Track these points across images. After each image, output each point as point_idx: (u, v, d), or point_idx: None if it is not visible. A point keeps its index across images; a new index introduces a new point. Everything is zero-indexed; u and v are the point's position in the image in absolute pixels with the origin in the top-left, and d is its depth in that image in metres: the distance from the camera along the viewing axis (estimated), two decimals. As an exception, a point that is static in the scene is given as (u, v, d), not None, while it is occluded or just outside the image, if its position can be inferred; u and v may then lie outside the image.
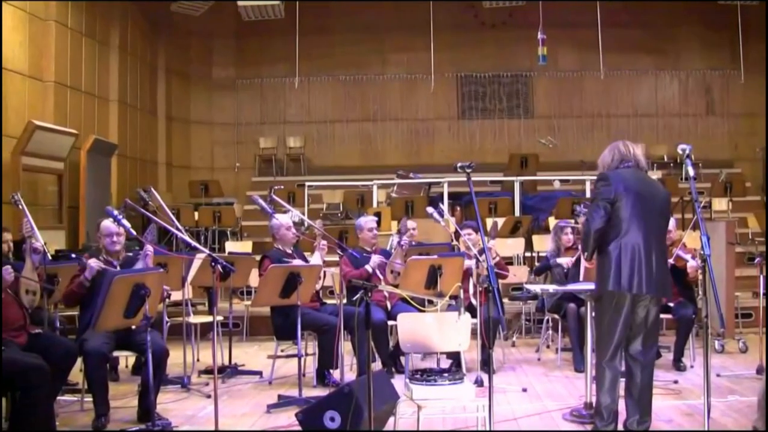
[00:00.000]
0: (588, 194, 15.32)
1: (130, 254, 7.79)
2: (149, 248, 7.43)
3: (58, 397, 7.08)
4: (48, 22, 15.16)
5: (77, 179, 15.52)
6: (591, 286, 6.70)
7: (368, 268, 9.21)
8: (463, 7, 21.03)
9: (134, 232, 7.28)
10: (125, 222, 7.18)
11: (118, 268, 7.41)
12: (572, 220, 10.92)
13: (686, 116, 21.56)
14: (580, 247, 8.59)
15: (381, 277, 9.15)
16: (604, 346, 6.09)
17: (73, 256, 7.76)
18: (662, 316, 9.48)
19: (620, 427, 6.17)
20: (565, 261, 9.80)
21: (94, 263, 7.23)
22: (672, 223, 9.61)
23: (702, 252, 5.77)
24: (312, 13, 19.33)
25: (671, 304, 9.28)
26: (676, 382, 8.43)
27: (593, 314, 6.92)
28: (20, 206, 7.79)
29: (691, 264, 9.11)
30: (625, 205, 6.01)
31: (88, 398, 7.11)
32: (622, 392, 6.17)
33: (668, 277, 6.11)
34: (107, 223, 7.49)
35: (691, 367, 9.28)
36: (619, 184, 6.05)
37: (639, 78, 21.88)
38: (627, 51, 21.06)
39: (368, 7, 21.12)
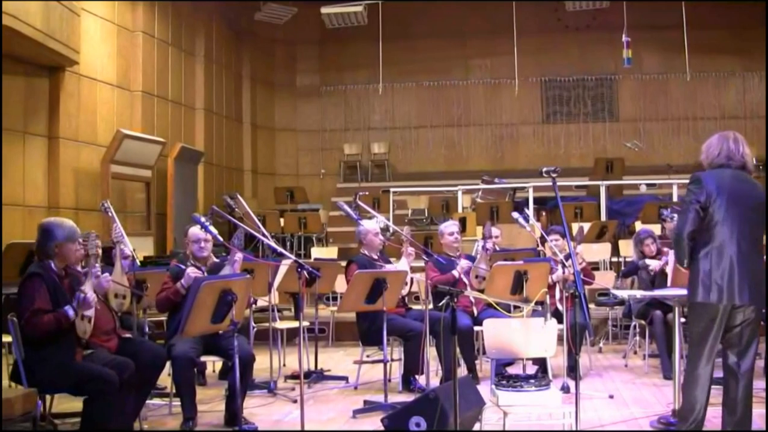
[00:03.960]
0: (675, 198, 15.07)
1: (218, 260, 7.87)
2: (238, 254, 7.50)
3: (147, 401, 7.17)
4: (135, 34, 15.48)
5: (165, 186, 15.78)
6: (679, 291, 6.54)
7: (455, 273, 9.12)
8: (546, 10, 20.92)
9: (221, 239, 7.37)
10: (212, 228, 7.29)
11: (206, 273, 7.49)
12: (655, 228, 10.72)
13: (775, 118, 21.12)
14: (671, 252, 8.21)
15: (467, 282, 9.11)
16: (693, 355, 5.74)
17: (173, 263, 7.86)
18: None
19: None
20: (654, 263, 9.64)
21: (192, 272, 7.34)
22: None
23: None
24: (394, 19, 19.39)
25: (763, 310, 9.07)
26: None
27: (682, 321, 6.81)
28: (110, 213, 7.91)
29: None
30: (718, 208, 5.59)
31: (176, 402, 7.21)
32: (713, 400, 5.96)
33: (764, 285, 5.68)
34: (195, 230, 7.57)
35: (784, 374, 9.04)
36: (711, 186, 5.63)
37: (725, 79, 21.47)
38: (713, 52, 20.69)
39: (451, 11, 21.17)
